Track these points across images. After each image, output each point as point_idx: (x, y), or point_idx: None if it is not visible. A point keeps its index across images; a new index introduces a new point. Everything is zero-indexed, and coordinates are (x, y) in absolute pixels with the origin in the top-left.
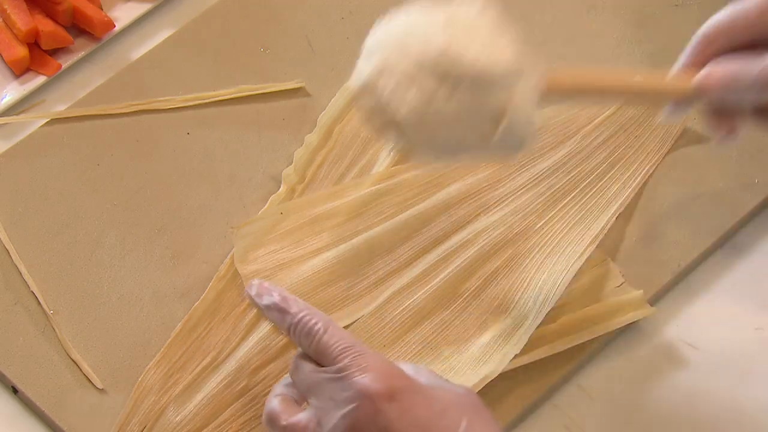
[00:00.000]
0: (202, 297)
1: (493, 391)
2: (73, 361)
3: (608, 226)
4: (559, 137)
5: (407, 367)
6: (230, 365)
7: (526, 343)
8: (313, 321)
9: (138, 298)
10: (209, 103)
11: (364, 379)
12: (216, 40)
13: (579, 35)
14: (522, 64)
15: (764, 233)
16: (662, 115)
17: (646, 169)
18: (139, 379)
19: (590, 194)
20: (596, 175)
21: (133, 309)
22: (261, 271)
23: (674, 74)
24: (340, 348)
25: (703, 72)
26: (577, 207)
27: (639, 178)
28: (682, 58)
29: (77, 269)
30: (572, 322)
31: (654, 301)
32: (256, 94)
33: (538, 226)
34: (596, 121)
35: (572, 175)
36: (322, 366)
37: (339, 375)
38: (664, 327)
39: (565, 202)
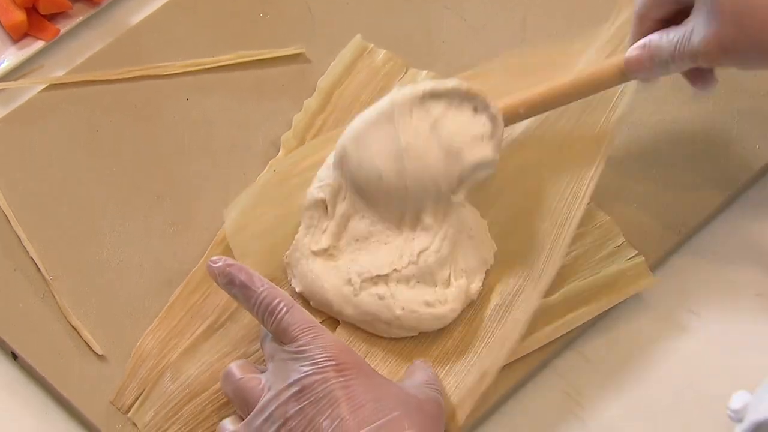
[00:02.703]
0: (199, 263)
1: None
2: (72, 327)
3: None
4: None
5: (418, 362)
6: (229, 332)
7: (531, 321)
8: (277, 300)
9: (138, 264)
10: (209, 68)
11: (320, 355)
12: (216, 5)
13: None
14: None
15: (764, 200)
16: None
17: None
18: (137, 344)
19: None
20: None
21: (133, 275)
22: (254, 241)
23: (608, 61)
24: (300, 328)
25: (626, 54)
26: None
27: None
28: (629, 37)
29: (77, 235)
30: (574, 295)
31: (655, 267)
32: (256, 60)
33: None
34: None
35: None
36: (284, 344)
37: (297, 352)
38: (665, 293)
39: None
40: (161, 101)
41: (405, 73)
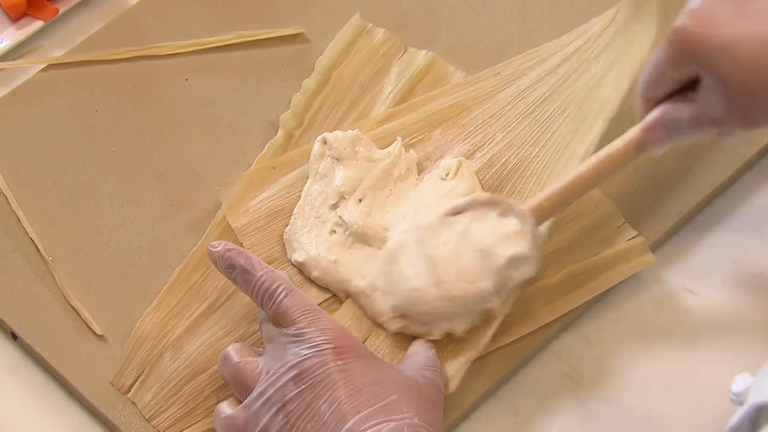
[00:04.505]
0: (198, 243)
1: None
2: (72, 307)
3: (599, 134)
4: (555, 60)
5: (418, 343)
6: (229, 312)
7: (530, 301)
8: (276, 284)
9: (137, 245)
10: (208, 49)
11: (319, 339)
12: None
13: None
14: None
15: (764, 180)
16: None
17: (637, 61)
18: (137, 325)
19: (584, 105)
20: (591, 86)
21: (133, 256)
22: (254, 222)
23: (621, 139)
24: (299, 311)
25: (642, 131)
26: (572, 123)
27: (629, 75)
28: (638, 111)
29: (76, 216)
30: (574, 276)
31: (655, 248)
32: (255, 40)
33: (533, 155)
34: (594, 30)
35: (568, 92)
36: (282, 327)
37: (296, 335)
38: (665, 274)
39: (560, 121)
40: (160, 81)
41: (404, 52)
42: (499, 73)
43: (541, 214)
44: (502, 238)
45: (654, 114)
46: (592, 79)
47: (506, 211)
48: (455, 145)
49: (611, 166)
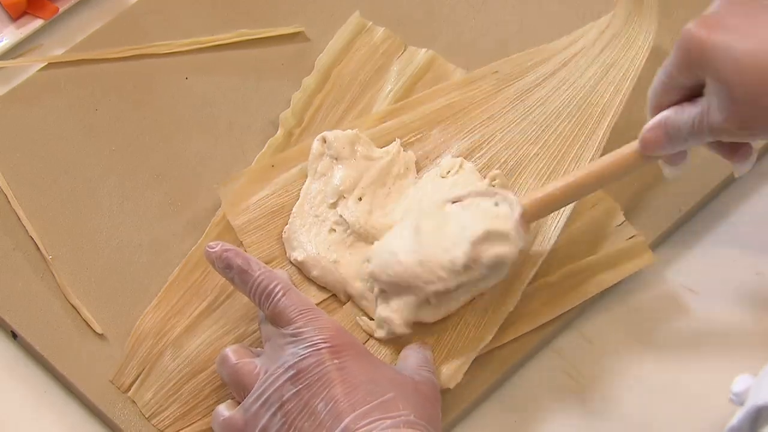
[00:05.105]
0: (198, 242)
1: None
2: (72, 306)
3: (606, 138)
4: (554, 63)
5: (411, 346)
6: (228, 311)
7: (530, 300)
8: (273, 284)
9: (137, 243)
10: (208, 47)
11: (316, 338)
12: None
13: None
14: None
15: (764, 179)
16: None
17: (637, 64)
18: (137, 323)
19: (584, 106)
20: (590, 85)
21: (133, 255)
22: (254, 220)
23: (625, 146)
24: (297, 311)
25: (642, 135)
26: (572, 123)
27: (631, 78)
28: (648, 117)
29: (76, 215)
30: (574, 274)
31: (655, 246)
32: (255, 39)
33: (533, 153)
34: (591, 34)
35: (567, 93)
36: (280, 327)
37: (294, 335)
38: (665, 272)
39: (560, 121)
40: (160, 80)
41: (404, 50)
42: (497, 71)
43: (535, 210)
44: (487, 217)
45: (656, 117)
46: (591, 79)
47: (501, 201)
48: (454, 143)
49: (613, 171)
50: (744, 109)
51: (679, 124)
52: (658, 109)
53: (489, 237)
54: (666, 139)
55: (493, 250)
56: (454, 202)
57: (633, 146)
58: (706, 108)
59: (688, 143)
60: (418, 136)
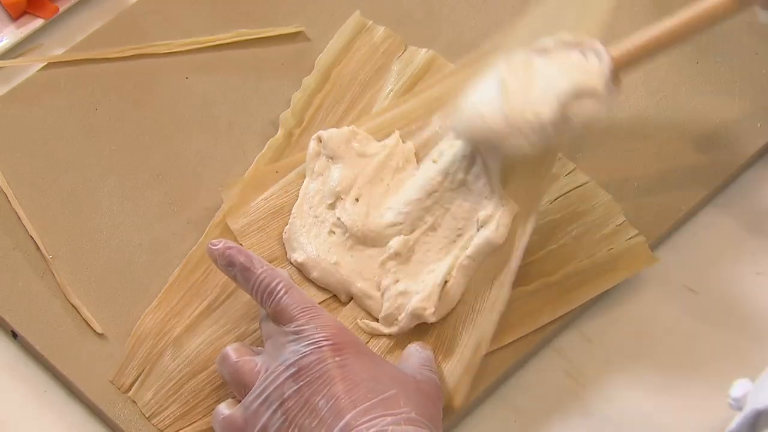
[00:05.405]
0: (199, 242)
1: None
2: (72, 306)
3: None
4: None
5: (412, 346)
6: (229, 310)
7: (530, 299)
8: (276, 281)
9: (137, 243)
10: (208, 47)
11: (317, 336)
12: None
13: None
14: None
15: (764, 178)
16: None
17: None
18: (137, 323)
19: None
20: None
21: (133, 254)
22: (254, 222)
23: None
24: (299, 309)
25: None
26: None
27: None
28: None
29: (76, 214)
30: (575, 274)
31: (655, 246)
32: (255, 39)
33: None
34: None
35: None
36: (282, 325)
37: (295, 333)
38: (666, 272)
39: None
40: (160, 80)
41: (404, 50)
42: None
43: (625, 62)
44: (575, 70)
45: None
46: None
47: (587, 50)
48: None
49: (707, 18)
50: None
51: None
52: None
53: (578, 93)
54: None
55: (583, 109)
56: (540, 54)
57: None
58: None
59: None
60: (419, 125)
